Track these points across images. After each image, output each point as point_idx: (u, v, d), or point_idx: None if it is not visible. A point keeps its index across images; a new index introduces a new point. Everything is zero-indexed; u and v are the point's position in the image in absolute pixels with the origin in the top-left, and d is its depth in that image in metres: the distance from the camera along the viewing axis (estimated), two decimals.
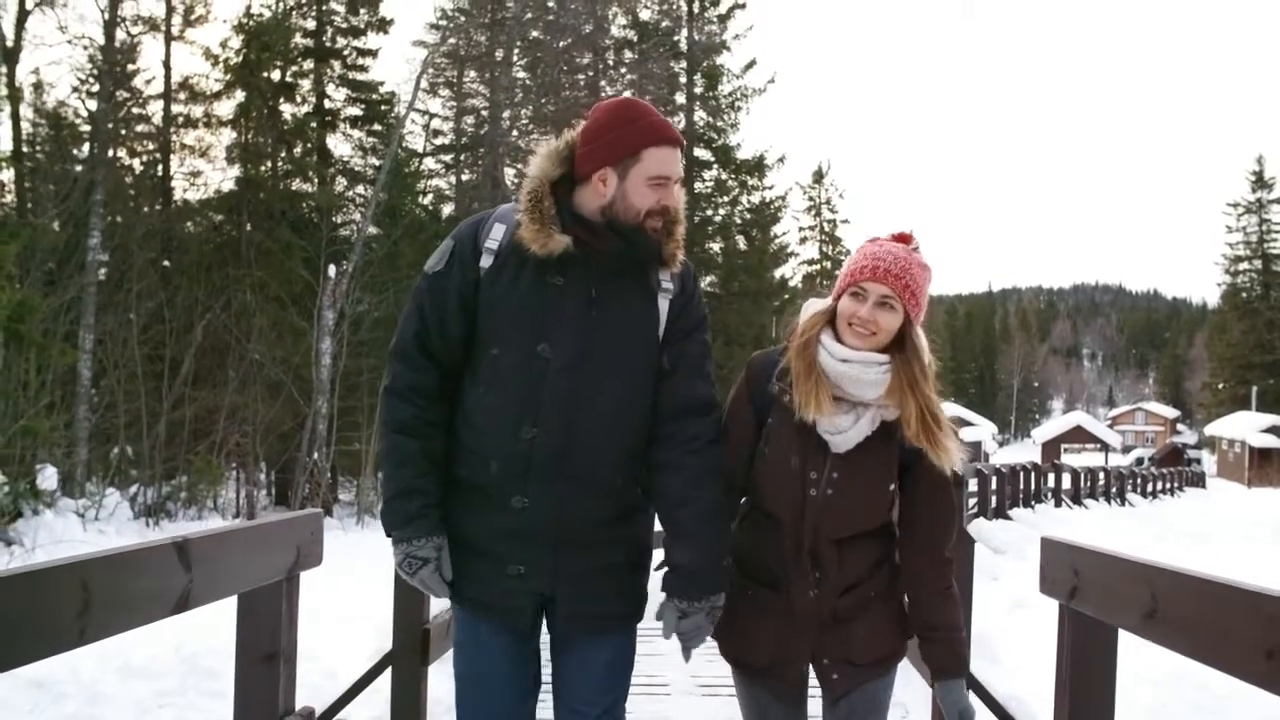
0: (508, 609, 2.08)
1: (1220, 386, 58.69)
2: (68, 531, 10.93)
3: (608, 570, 2.09)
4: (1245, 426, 48.92)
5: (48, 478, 11.36)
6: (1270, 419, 48.38)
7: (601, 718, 2.15)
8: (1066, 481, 19.91)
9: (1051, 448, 62.08)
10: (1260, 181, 58.80)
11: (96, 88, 19.60)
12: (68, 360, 12.36)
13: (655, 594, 2.14)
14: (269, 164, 21.15)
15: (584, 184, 2.06)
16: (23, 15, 18.04)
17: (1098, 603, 2.20)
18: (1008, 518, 14.00)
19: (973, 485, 13.16)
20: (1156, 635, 1.91)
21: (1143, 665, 5.22)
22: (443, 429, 2.09)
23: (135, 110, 20.89)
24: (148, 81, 20.94)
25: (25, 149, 17.98)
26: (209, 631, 5.12)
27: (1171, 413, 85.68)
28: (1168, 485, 28.94)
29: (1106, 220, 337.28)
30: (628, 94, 28.03)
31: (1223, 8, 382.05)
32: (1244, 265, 58.90)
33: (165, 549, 1.93)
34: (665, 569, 2.13)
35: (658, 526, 2.22)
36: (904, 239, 2.10)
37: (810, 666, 2.15)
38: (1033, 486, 16.90)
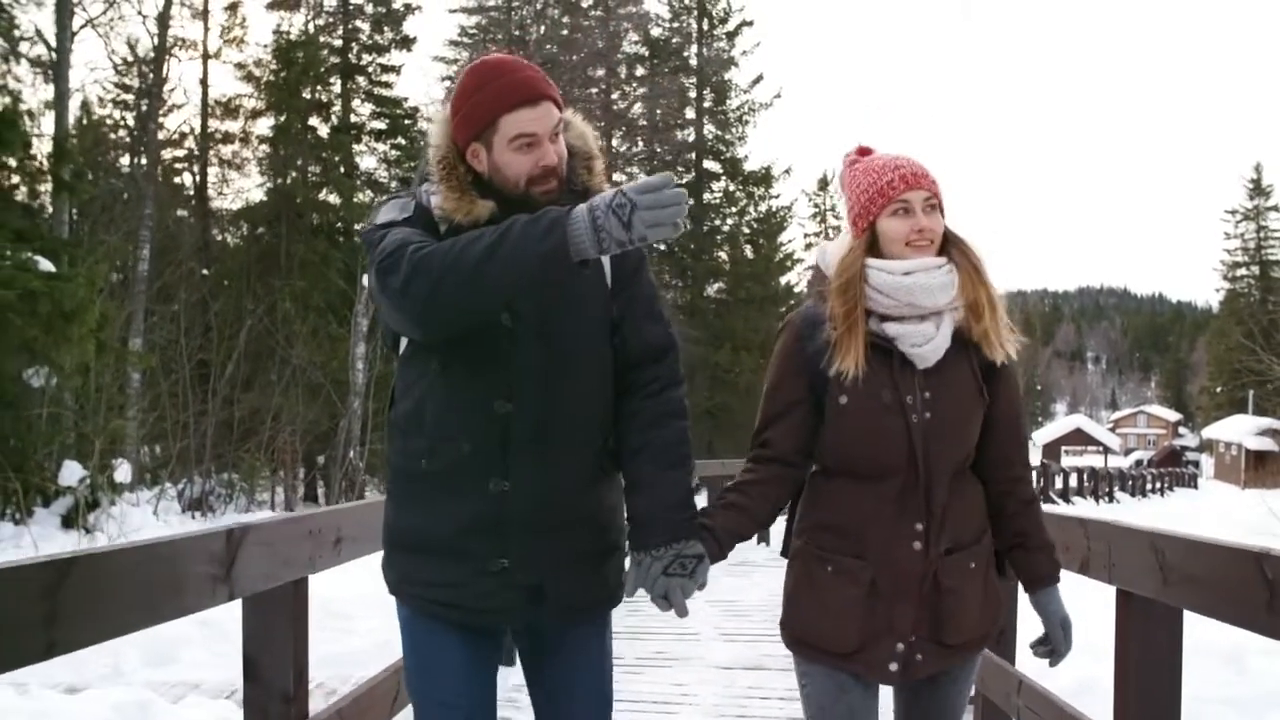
0: (492, 611, 1.86)
1: (1218, 390, 59.62)
2: (143, 521, 12.12)
3: (590, 555, 1.92)
4: (1241, 430, 49.94)
5: (123, 472, 12.52)
6: (1266, 422, 49.35)
7: None
8: (1059, 481, 21.06)
9: (1052, 450, 63.01)
10: (1258, 189, 59.72)
11: (141, 103, 20.92)
12: (144, 364, 13.58)
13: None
14: (303, 178, 22.40)
15: None
16: (69, 35, 19.29)
17: None
18: None
19: None
20: None
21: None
22: None
23: (177, 126, 22.15)
24: (170, 91, 22.22)
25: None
26: (338, 586, 6.33)
27: (1173, 416, 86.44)
28: (1157, 485, 30.04)
29: (1112, 223, 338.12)
30: (638, 106, 29.28)
31: (1227, 9, 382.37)
32: (1242, 271, 59.87)
33: None
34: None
35: None
36: (867, 151, 2.03)
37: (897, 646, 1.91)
38: None
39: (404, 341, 1.91)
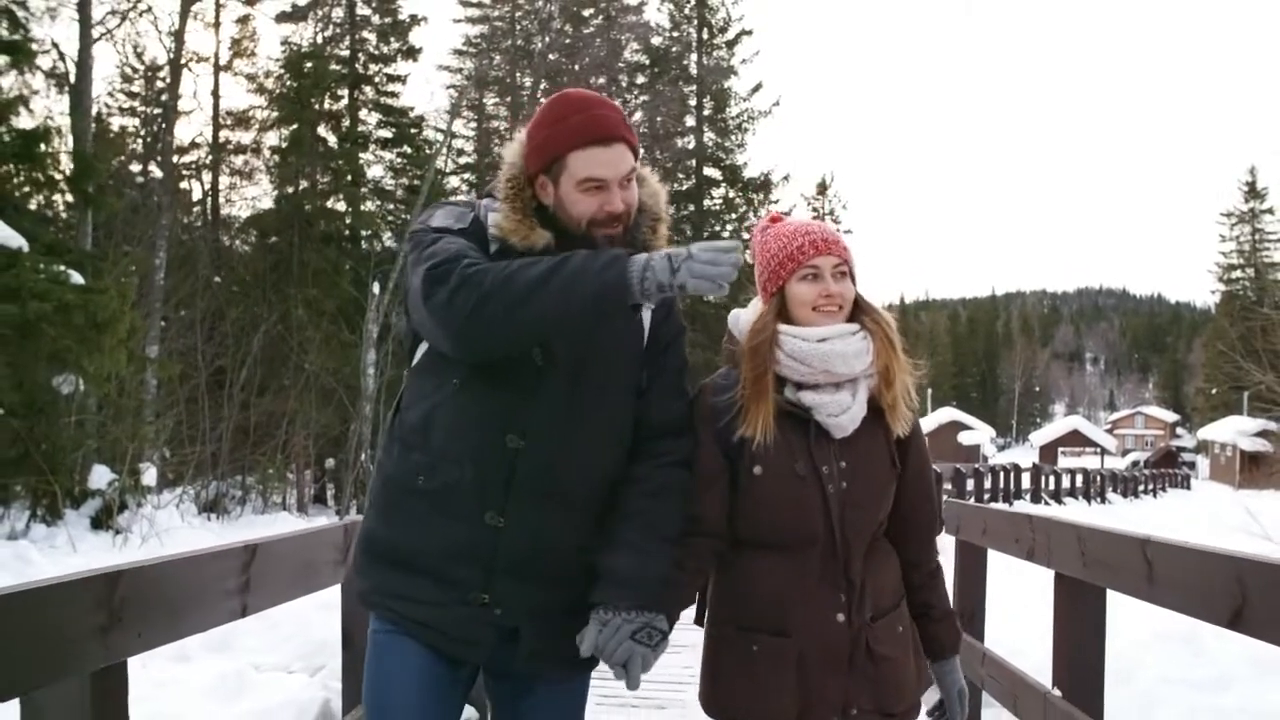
0: (463, 640, 1.80)
1: (1214, 392, 60.10)
2: (169, 522, 12.64)
3: (578, 611, 1.79)
4: (1236, 431, 50.43)
5: (150, 476, 13.02)
6: (1260, 424, 49.82)
7: None
8: (1051, 483, 21.58)
9: (1049, 451, 63.25)
10: (1253, 192, 60.29)
11: (152, 110, 21.47)
12: (165, 372, 14.10)
13: None
14: (312, 187, 22.92)
15: None
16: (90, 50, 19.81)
17: (967, 533, 3.91)
18: None
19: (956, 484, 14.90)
20: (986, 542, 3.63)
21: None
22: None
23: (192, 139, 22.71)
24: (178, 93, 22.73)
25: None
26: None
27: (1171, 417, 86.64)
28: (1150, 486, 30.57)
29: (1111, 223, 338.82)
30: (640, 114, 29.76)
31: (1225, 11, 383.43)
32: (1237, 274, 60.39)
33: None
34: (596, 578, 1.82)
35: None
36: (779, 219, 2.04)
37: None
38: (1013, 485, 18.56)
39: (420, 351, 1.88)
